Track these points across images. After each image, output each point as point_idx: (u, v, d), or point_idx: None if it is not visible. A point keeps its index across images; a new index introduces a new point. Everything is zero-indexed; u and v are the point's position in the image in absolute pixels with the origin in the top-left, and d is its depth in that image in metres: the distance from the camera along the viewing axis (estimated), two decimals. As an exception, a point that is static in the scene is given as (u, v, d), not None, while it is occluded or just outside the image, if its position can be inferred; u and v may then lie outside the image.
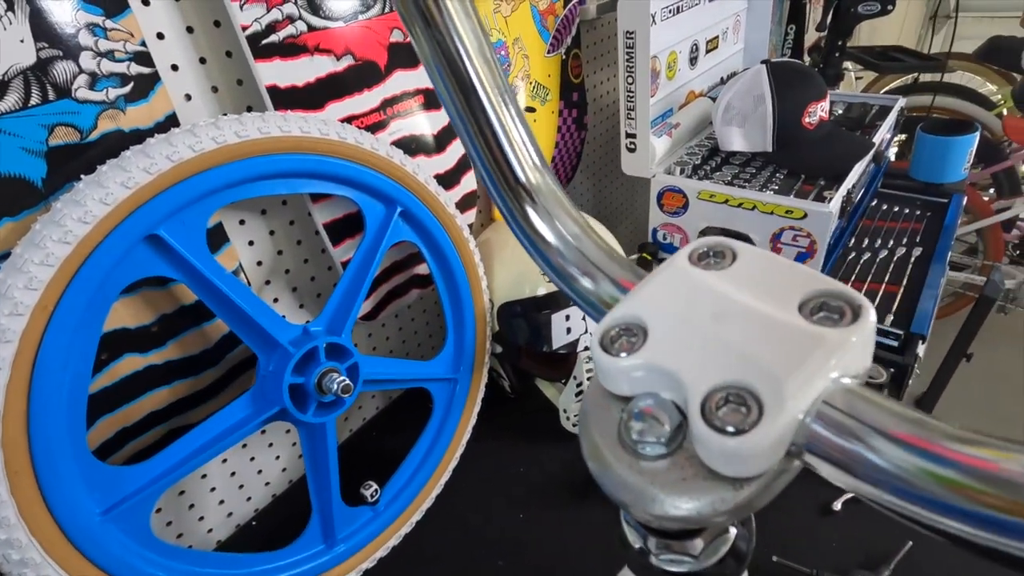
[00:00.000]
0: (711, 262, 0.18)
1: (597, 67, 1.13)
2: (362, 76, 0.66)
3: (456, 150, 0.80)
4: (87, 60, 0.46)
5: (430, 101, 0.75)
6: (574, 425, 0.83)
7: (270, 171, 0.55)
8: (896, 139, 2.08)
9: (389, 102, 0.70)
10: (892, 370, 0.81)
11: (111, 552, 0.48)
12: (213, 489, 0.72)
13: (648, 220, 0.98)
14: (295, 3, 0.58)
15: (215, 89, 0.59)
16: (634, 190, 1.36)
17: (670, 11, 0.90)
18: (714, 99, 0.97)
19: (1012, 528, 0.11)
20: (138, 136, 0.50)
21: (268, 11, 0.56)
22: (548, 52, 0.95)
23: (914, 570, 0.61)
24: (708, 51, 1.06)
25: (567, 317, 0.77)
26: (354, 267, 0.64)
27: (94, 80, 0.47)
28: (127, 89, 0.49)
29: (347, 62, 0.64)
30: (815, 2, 1.58)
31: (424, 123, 0.75)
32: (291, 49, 0.59)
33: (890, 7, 1.26)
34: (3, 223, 0.44)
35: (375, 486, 0.70)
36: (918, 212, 1.10)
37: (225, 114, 0.54)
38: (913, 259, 0.97)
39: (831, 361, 0.14)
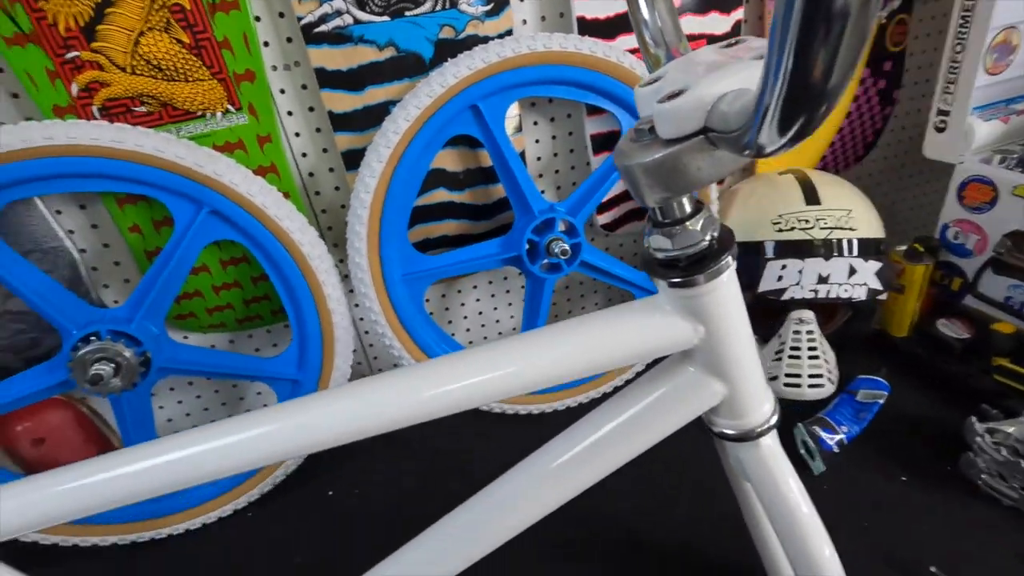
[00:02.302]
0: (730, 48, 0.27)
1: (927, 38, 1.00)
2: (654, 17, 0.79)
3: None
4: (471, -16, 0.71)
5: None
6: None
7: (558, 77, 0.73)
8: None
9: (672, 42, 0.81)
10: None
11: (401, 303, 0.77)
12: (465, 317, 0.99)
13: (939, 214, 0.88)
14: (615, -48, 0.74)
15: (543, 18, 0.80)
16: (931, 178, 1.17)
17: (1043, -31, 0.76)
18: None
19: None
20: (486, 41, 0.74)
21: (593, -42, 0.73)
22: (862, 13, 0.91)
23: None
24: (1107, 25, 0.84)
25: (783, 267, 0.78)
26: (600, 171, 0.80)
27: (471, -1, 0.72)
28: (488, 7, 0.73)
29: (645, 3, 0.78)
30: None
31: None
32: (603, -11, 0.75)
33: None
34: (404, 81, 0.73)
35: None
36: None
37: (543, 35, 0.74)
38: None
39: (734, 77, 0.23)
